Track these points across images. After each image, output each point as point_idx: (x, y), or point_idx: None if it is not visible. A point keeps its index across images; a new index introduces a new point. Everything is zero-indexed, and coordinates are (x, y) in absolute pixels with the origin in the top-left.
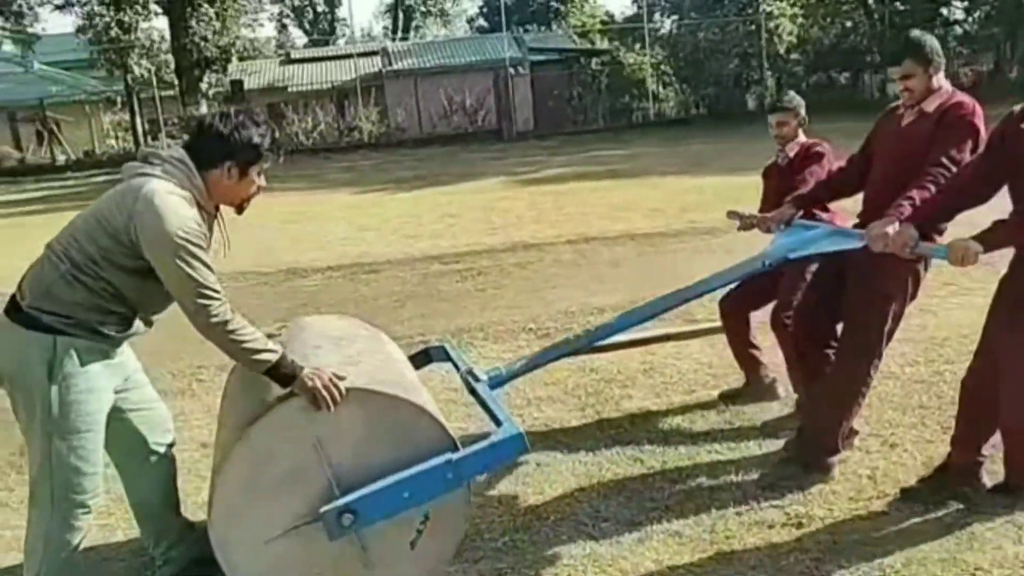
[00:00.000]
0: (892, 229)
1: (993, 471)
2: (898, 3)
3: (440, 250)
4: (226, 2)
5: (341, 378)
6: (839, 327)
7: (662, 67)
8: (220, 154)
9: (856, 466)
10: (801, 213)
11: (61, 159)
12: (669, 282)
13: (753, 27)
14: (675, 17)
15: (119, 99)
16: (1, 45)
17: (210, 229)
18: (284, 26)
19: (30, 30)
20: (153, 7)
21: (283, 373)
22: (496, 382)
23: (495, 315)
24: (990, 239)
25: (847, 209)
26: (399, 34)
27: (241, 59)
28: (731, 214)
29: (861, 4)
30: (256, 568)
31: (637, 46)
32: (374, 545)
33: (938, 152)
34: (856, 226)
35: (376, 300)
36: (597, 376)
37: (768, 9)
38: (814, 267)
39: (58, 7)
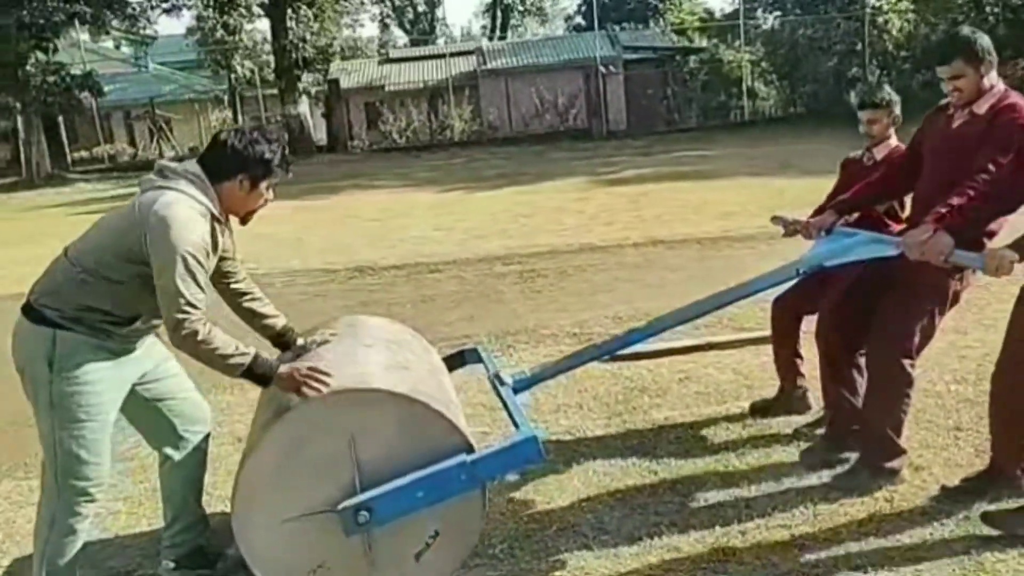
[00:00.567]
0: (928, 236)
1: None
2: None
3: (506, 250)
4: (324, 4)
5: (324, 372)
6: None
7: (761, 65)
8: (234, 168)
9: (875, 488)
10: (843, 220)
11: (169, 155)
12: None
13: (858, 23)
14: (778, 13)
15: (225, 98)
16: (120, 47)
17: (222, 236)
18: (386, 26)
19: (146, 32)
20: (256, 9)
21: (259, 374)
22: (520, 385)
23: (543, 318)
24: (1022, 247)
25: None
26: (497, 33)
27: (343, 59)
28: (775, 219)
29: None
30: (268, 544)
31: (737, 43)
32: (381, 547)
33: (985, 157)
34: (904, 230)
35: (433, 300)
36: (631, 384)
37: (876, 4)
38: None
39: (166, 11)
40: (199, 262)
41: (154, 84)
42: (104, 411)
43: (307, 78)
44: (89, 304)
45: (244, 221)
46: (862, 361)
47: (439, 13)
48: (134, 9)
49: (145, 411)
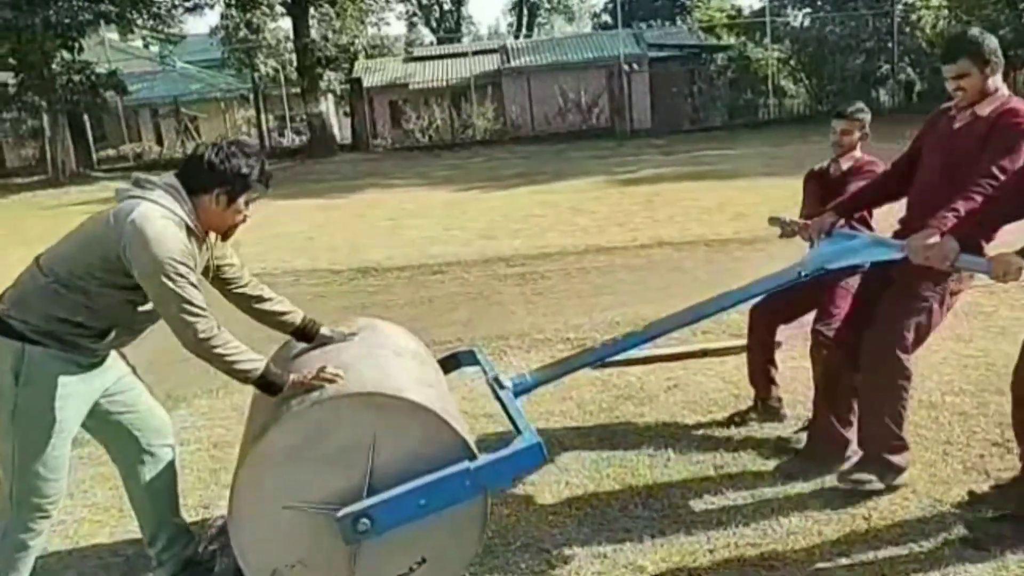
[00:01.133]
0: (933, 240)
1: None
2: None
3: (513, 251)
4: (346, 3)
5: (334, 375)
6: None
7: (790, 63)
8: (209, 182)
9: (853, 504)
10: (842, 222)
11: None
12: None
13: (888, 20)
14: (807, 10)
15: (250, 96)
16: (148, 46)
17: (200, 252)
18: (413, 24)
19: (174, 31)
20: (279, 8)
21: (270, 382)
22: (520, 389)
23: (540, 322)
24: None
25: None
26: (523, 31)
27: (368, 57)
28: (773, 220)
29: None
30: (259, 524)
31: (764, 41)
32: (365, 558)
33: (988, 162)
34: (898, 232)
35: (431, 302)
36: (618, 392)
37: (909, 0)
38: (855, 280)
39: (188, 10)
40: (186, 266)
41: (181, 83)
42: (67, 427)
43: (329, 76)
44: (61, 316)
45: (225, 237)
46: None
47: (465, 11)
48: (159, 8)
49: (108, 425)
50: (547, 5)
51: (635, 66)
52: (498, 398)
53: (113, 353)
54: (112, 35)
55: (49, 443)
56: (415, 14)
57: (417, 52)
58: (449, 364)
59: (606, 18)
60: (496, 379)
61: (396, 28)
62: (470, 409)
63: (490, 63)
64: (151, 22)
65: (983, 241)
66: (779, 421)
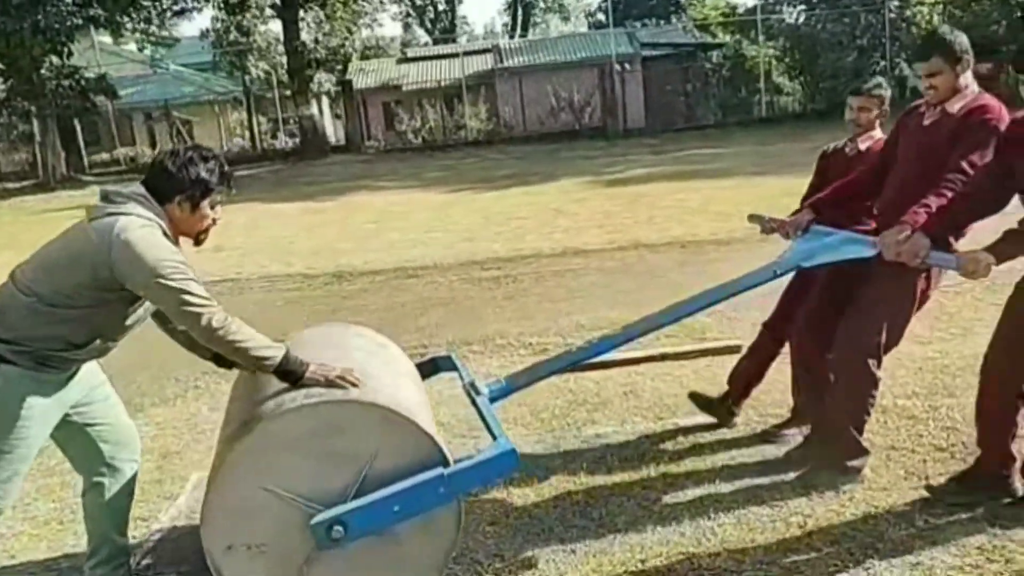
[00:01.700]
0: (905, 236)
1: None
2: None
3: (490, 254)
4: (336, 5)
5: (355, 378)
6: None
7: (785, 60)
8: (171, 190)
9: (789, 511)
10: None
11: None
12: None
13: (881, 16)
14: (802, 7)
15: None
16: (143, 49)
17: None
18: (408, 25)
19: (167, 34)
20: (268, 11)
21: (290, 370)
22: (496, 395)
23: (505, 327)
24: (1001, 250)
25: None
26: (518, 31)
27: (362, 58)
28: (752, 218)
29: None
30: (236, 495)
31: (762, 39)
32: (318, 563)
33: (958, 157)
34: (874, 230)
35: (402, 307)
36: (573, 398)
37: None
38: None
39: (177, 13)
40: (182, 263)
41: (173, 86)
42: (27, 446)
43: (320, 78)
44: (42, 333)
45: (197, 242)
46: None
47: (459, 11)
48: (149, 12)
49: (75, 436)
50: (542, 4)
51: (627, 65)
52: (474, 403)
53: (91, 363)
54: (106, 39)
55: (4, 460)
56: (409, 15)
57: (411, 53)
58: (427, 369)
59: (601, 17)
60: (472, 384)
61: (392, 29)
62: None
63: (484, 63)
64: (141, 26)
65: (952, 238)
66: (730, 427)
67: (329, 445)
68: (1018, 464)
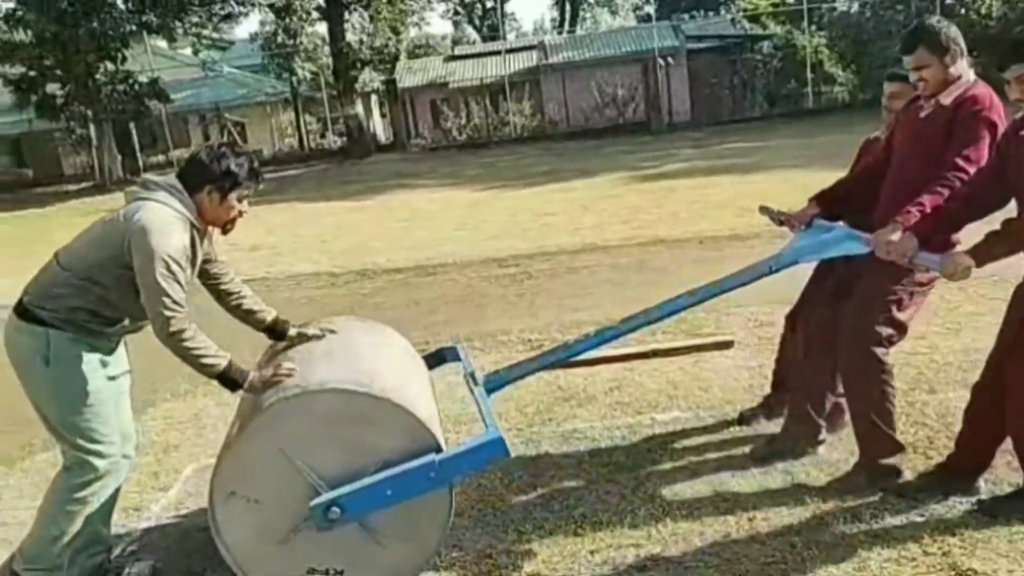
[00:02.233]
0: (896, 236)
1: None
2: None
3: (512, 251)
4: (380, 6)
5: (287, 373)
6: None
7: (829, 51)
8: (203, 180)
9: (742, 505)
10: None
11: None
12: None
13: (932, 4)
14: None
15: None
16: (198, 52)
17: (200, 244)
18: (458, 23)
19: (219, 37)
20: (315, 13)
21: (231, 378)
22: (492, 385)
23: (508, 323)
24: (982, 252)
25: None
26: (566, 26)
27: (410, 57)
28: (763, 209)
29: None
30: (256, 449)
31: (809, 28)
32: (304, 532)
33: (953, 153)
34: (872, 227)
35: (417, 305)
36: (560, 393)
37: None
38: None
39: (224, 18)
40: (179, 264)
41: (227, 88)
42: (104, 395)
43: (364, 79)
44: (79, 305)
45: (225, 231)
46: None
47: (508, 8)
48: (200, 17)
49: None
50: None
51: (670, 59)
52: (472, 393)
53: (121, 348)
54: (163, 43)
55: (90, 408)
56: (458, 12)
57: (458, 51)
58: (433, 360)
59: (649, 10)
60: (472, 375)
61: (443, 27)
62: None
63: (530, 60)
64: (193, 30)
65: (950, 236)
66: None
67: (357, 434)
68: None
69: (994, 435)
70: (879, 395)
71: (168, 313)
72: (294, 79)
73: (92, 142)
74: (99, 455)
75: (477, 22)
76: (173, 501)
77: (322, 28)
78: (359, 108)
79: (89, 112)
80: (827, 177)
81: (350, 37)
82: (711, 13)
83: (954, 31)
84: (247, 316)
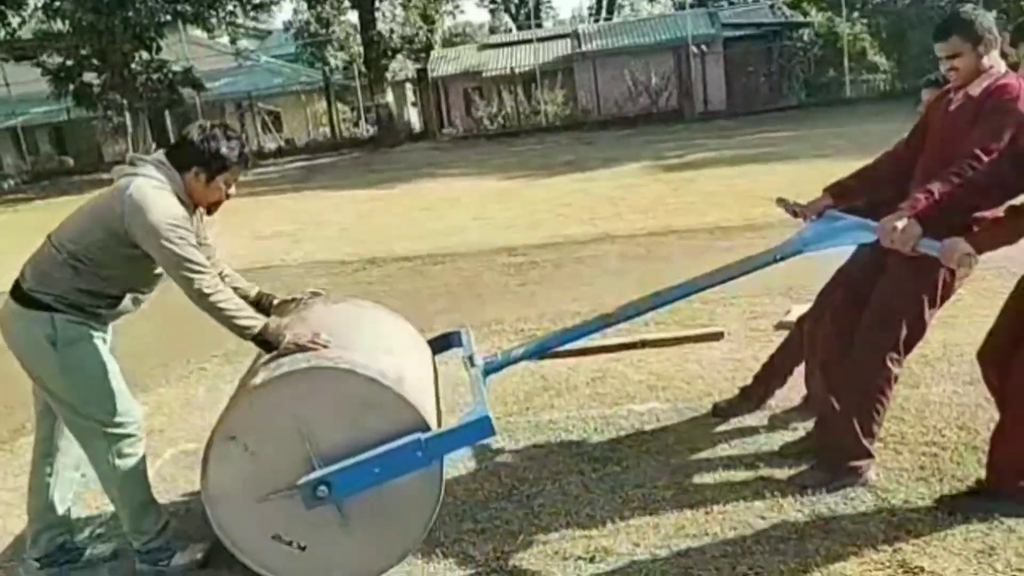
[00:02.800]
0: (901, 224)
1: None
2: None
3: (523, 241)
4: None
5: (324, 344)
6: None
7: (871, 38)
8: (191, 160)
9: (700, 499)
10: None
11: (271, 147)
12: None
13: None
14: None
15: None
16: (236, 41)
17: (191, 221)
18: (495, 11)
19: (254, 26)
20: (346, 2)
21: (267, 339)
22: (490, 368)
23: (503, 313)
24: (980, 239)
25: None
26: (603, 14)
27: (446, 45)
28: (780, 201)
29: None
30: (268, 403)
31: (851, 15)
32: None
33: (974, 143)
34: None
35: (419, 293)
36: (541, 383)
37: None
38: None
39: (256, 7)
40: (183, 228)
41: (263, 77)
42: (111, 368)
43: (396, 66)
44: (80, 287)
45: (210, 212)
46: None
47: None
48: (234, 6)
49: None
50: None
51: (705, 47)
52: (469, 375)
53: (108, 335)
54: (200, 32)
55: (104, 381)
56: (495, 1)
57: (492, 40)
58: (439, 343)
59: None
60: (470, 357)
61: (479, 15)
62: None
63: (563, 48)
64: (227, 19)
65: (967, 223)
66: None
67: (359, 417)
68: None
69: None
70: (870, 405)
71: (195, 276)
72: (327, 68)
73: (128, 130)
74: (122, 425)
75: (513, 10)
76: None
77: (354, 16)
78: (390, 97)
79: (125, 100)
80: (855, 168)
81: (381, 26)
82: (750, 0)
83: (989, 20)
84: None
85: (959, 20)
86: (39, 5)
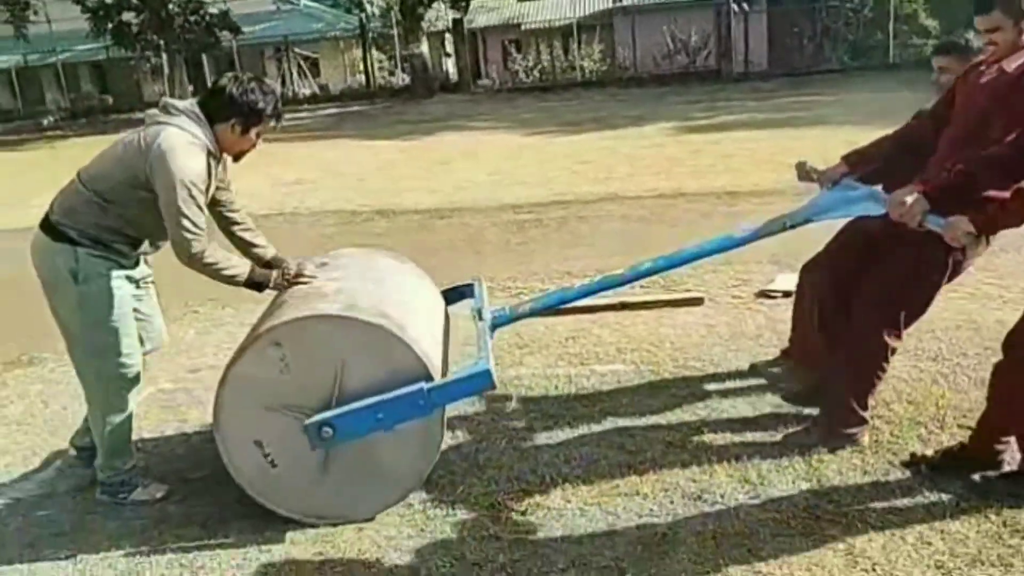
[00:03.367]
0: (911, 198)
1: None
2: None
3: (531, 198)
4: None
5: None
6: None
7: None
8: (228, 112)
9: (644, 462)
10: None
11: (306, 93)
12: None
13: None
14: None
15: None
16: None
17: (215, 170)
18: None
19: None
20: None
21: (256, 281)
22: (497, 322)
23: (498, 270)
24: (983, 218)
25: None
26: None
27: None
28: (800, 166)
29: None
30: (313, 331)
31: None
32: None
33: (1002, 127)
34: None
35: (420, 246)
36: (516, 340)
37: None
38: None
39: None
40: (199, 188)
41: (301, 22)
42: (127, 310)
43: (431, 16)
44: (104, 223)
45: (236, 159)
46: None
47: None
48: None
49: None
50: None
51: (745, 6)
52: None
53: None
54: None
55: (115, 322)
56: None
57: None
58: (453, 296)
59: None
60: (479, 311)
61: None
62: None
63: (603, 2)
64: None
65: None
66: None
67: (374, 366)
68: None
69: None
70: (868, 375)
71: (189, 236)
72: (363, 15)
73: (164, 71)
74: (123, 366)
75: None
76: None
77: None
78: (424, 47)
79: (162, 41)
80: (880, 134)
81: None
82: None
83: None
84: (247, 248)
85: None
86: None
